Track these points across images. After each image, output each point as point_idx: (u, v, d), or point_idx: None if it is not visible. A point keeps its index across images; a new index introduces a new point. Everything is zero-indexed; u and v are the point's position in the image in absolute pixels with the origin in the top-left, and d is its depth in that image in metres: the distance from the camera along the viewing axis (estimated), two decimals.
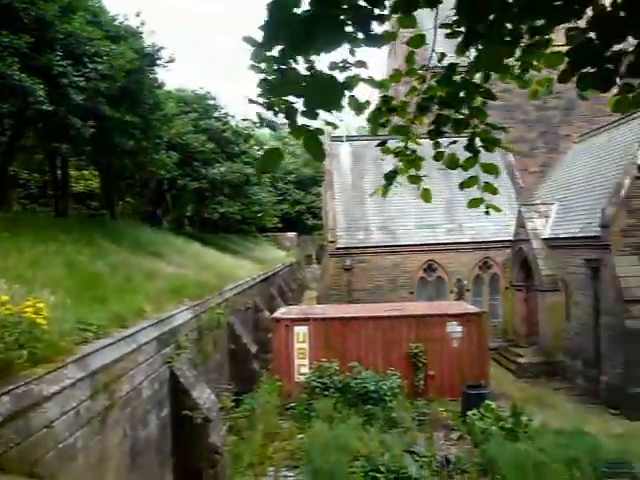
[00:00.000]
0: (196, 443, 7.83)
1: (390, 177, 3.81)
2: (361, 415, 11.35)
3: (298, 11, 1.89)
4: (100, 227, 13.62)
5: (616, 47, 2.14)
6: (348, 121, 39.09)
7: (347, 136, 22.73)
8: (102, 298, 6.97)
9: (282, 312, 14.70)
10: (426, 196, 3.93)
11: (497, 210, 3.42)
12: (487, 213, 3.50)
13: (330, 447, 9.52)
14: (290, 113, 2.24)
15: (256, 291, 18.02)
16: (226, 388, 11.04)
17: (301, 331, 13.30)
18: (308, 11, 1.88)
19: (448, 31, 2.53)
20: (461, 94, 2.91)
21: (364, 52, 2.64)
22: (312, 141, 2.22)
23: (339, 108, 2.08)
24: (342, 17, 1.92)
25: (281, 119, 2.41)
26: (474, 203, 3.39)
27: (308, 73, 2.03)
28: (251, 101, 2.46)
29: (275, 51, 2.00)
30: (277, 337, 13.46)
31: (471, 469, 9.57)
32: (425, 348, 13.33)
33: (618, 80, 2.35)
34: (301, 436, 11.03)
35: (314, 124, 2.33)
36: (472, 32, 2.31)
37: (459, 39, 2.48)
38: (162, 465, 7.41)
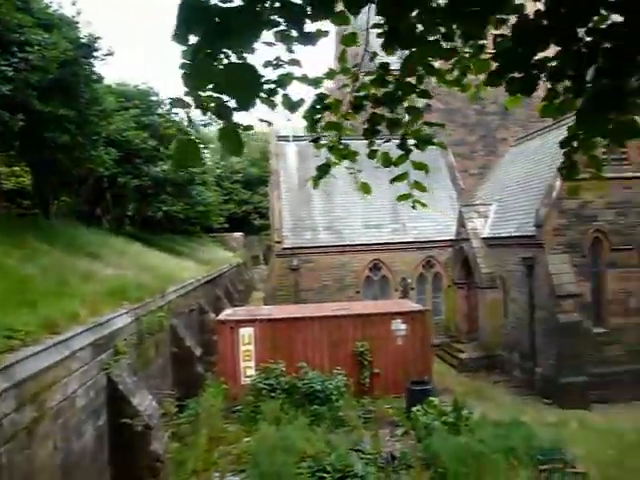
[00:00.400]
0: (137, 452, 7.53)
1: (322, 170, 3.80)
2: (308, 415, 11.34)
3: (213, 3, 1.84)
4: (32, 227, 12.84)
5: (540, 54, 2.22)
6: (298, 121, 39.07)
7: (294, 136, 22.66)
8: (31, 302, 6.55)
9: (227, 314, 14.46)
10: (365, 188, 3.94)
11: (423, 205, 3.55)
12: (414, 207, 3.61)
13: (277, 449, 9.45)
14: (221, 110, 2.16)
15: (201, 293, 17.63)
16: (169, 393, 10.72)
17: (247, 333, 13.13)
18: (224, 4, 1.83)
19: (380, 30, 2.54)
20: (397, 93, 2.93)
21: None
22: (229, 134, 2.14)
23: (253, 97, 2.01)
24: (266, 12, 1.88)
25: (210, 117, 2.33)
26: (403, 198, 3.48)
27: (224, 63, 1.96)
28: (176, 100, 2.35)
29: (191, 45, 1.92)
30: (222, 339, 13.22)
31: (415, 464, 9.78)
32: (371, 346, 13.50)
33: (547, 85, 2.44)
34: (247, 439, 10.88)
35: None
36: (393, 32, 2.33)
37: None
38: (100, 475, 7.08)
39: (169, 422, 10.14)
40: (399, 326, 13.69)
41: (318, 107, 3.24)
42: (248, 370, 13.14)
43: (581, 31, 2.15)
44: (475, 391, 14.94)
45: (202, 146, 26.20)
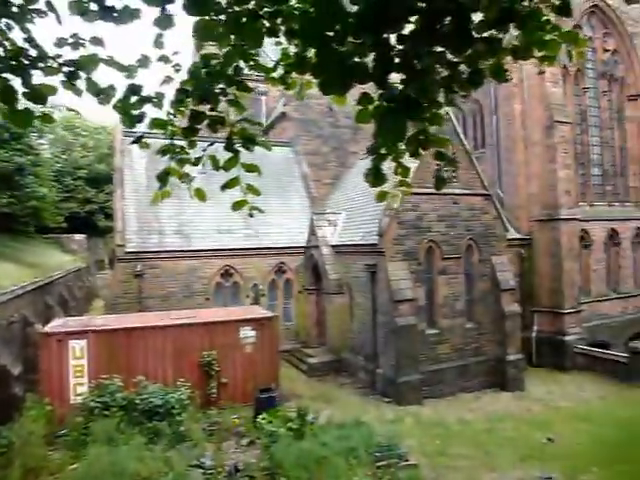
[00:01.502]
0: None
1: (162, 179, 3.38)
2: (146, 433, 10.50)
3: None
4: None
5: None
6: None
7: (143, 132, 21.19)
8: None
9: (55, 325, 12.83)
10: (199, 195, 3.61)
11: (260, 211, 3.32)
12: (251, 216, 3.35)
13: (106, 474, 8.54)
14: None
15: (26, 301, 15.48)
16: None
17: (78, 345, 11.77)
18: None
19: None
20: (219, 87, 2.69)
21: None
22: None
23: None
24: None
25: None
26: (239, 205, 3.19)
27: None
28: None
29: None
30: (47, 354, 11.66)
31: (258, 473, 9.60)
32: (218, 355, 13.06)
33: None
34: (74, 466, 9.69)
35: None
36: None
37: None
38: None
39: None
40: (248, 333, 13.47)
41: (132, 99, 2.84)
42: (79, 388, 11.78)
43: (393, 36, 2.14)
44: (323, 395, 15.34)
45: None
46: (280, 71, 2.86)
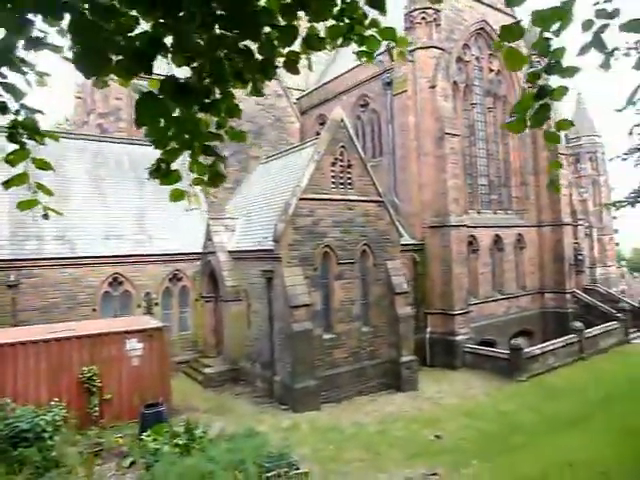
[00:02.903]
0: None
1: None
2: (9, 463, 9.40)
3: None
4: None
5: None
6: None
7: None
8: None
9: None
10: (45, 190, 3.01)
11: (58, 213, 2.91)
12: (46, 217, 2.90)
13: None
14: None
15: None
16: None
17: None
18: None
19: None
20: None
21: None
22: None
23: None
24: None
25: None
26: (26, 205, 2.69)
27: None
28: None
29: None
30: None
31: None
32: (101, 370, 12.12)
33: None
34: None
35: None
36: None
37: None
38: None
39: None
40: (134, 345, 12.66)
41: None
42: None
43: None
44: (219, 406, 14.84)
45: None
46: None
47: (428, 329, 20.35)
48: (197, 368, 17.45)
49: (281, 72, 26.04)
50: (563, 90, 2.37)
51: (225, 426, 12.42)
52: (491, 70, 24.51)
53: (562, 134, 29.64)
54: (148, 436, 10.54)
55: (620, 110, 10.94)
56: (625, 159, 11.39)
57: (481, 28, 23.73)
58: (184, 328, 18.46)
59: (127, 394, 12.52)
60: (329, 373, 15.06)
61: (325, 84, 25.96)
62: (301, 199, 14.59)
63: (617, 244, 49.26)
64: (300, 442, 12.06)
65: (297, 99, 27.46)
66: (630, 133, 10.94)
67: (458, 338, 19.58)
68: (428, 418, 14.09)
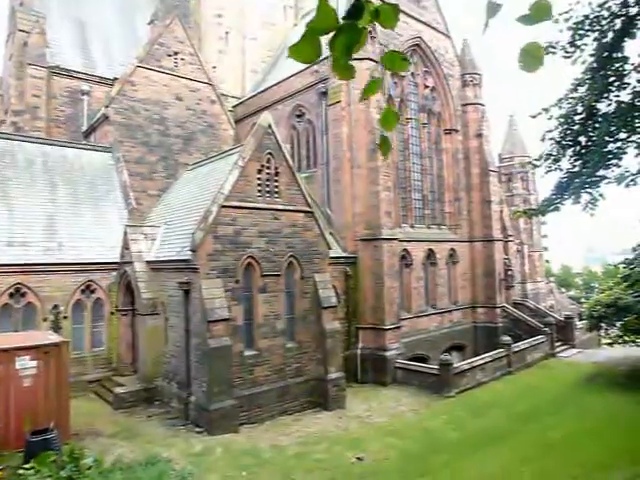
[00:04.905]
0: None
1: None
2: None
3: None
4: None
5: None
6: None
7: None
8: None
9: None
10: None
11: None
12: None
13: None
14: None
15: None
16: None
17: None
18: None
19: None
20: None
21: None
22: None
23: None
24: None
25: None
26: None
27: None
28: None
29: None
30: None
31: None
32: None
33: None
34: None
35: None
36: None
37: None
38: None
39: None
40: (26, 364, 11.30)
41: None
42: None
43: None
44: (127, 429, 13.60)
45: None
46: None
47: (359, 344, 19.89)
48: (110, 387, 16.05)
49: (215, 77, 25.31)
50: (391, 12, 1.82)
51: (126, 452, 11.28)
52: (426, 86, 24.80)
53: (494, 153, 30.41)
54: (30, 468, 9.29)
55: (534, 116, 11.00)
56: (537, 165, 11.42)
57: (416, 45, 23.98)
58: (97, 344, 17.01)
59: (16, 419, 11.09)
60: (250, 392, 14.18)
61: (261, 92, 25.41)
62: (223, 207, 13.78)
63: (547, 261, 51.39)
64: (210, 469, 11.12)
65: (233, 107, 26.71)
66: (542, 139, 10.98)
67: (389, 354, 19.23)
68: (353, 438, 13.49)
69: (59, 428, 11.04)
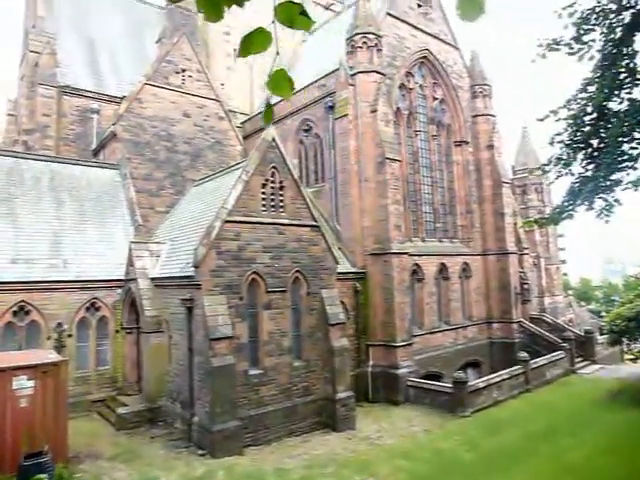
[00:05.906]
0: None
1: None
2: None
3: None
4: None
5: None
6: None
7: None
8: None
9: None
10: None
11: None
12: None
13: None
14: None
15: None
16: None
17: None
18: None
19: None
20: None
21: None
22: None
23: None
24: None
25: None
26: None
27: None
28: None
29: None
30: None
31: None
32: None
33: None
34: None
35: None
36: None
37: None
38: None
39: None
40: (24, 384, 11.03)
41: None
42: None
43: None
44: (128, 451, 13.21)
45: None
46: None
47: (370, 362, 19.33)
48: (113, 407, 15.72)
49: (223, 94, 25.34)
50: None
51: (124, 477, 10.89)
52: (435, 98, 24.49)
53: (507, 165, 29.91)
54: None
55: (542, 119, 10.52)
56: (547, 171, 10.90)
57: (424, 57, 23.76)
58: (102, 363, 16.75)
59: (12, 441, 10.78)
60: (255, 412, 13.73)
61: None
62: (227, 222, 13.51)
63: (565, 274, 50.25)
64: None
65: (241, 123, 26.69)
66: (551, 143, 10.48)
67: (401, 371, 18.62)
68: (362, 461, 12.92)
69: (56, 450, 10.74)
